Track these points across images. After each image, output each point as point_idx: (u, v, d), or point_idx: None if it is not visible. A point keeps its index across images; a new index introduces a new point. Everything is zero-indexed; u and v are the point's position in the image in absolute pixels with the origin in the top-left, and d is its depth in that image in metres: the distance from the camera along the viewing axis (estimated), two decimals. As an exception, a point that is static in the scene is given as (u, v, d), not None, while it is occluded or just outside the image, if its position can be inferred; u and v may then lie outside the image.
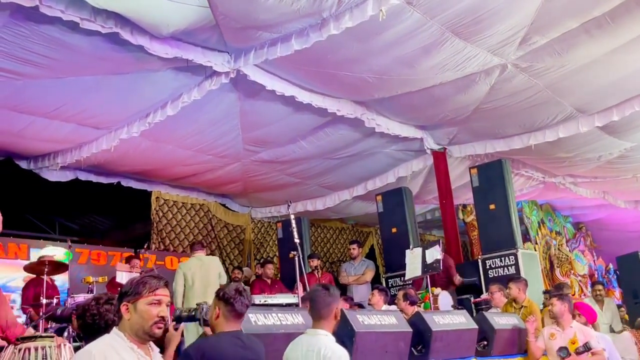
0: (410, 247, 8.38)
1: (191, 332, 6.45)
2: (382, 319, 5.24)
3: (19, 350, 4.31)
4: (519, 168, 11.18)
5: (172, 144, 9.17)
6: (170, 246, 11.47)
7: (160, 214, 11.42)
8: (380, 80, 7.50)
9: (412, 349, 5.45)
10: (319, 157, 10.16)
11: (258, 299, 6.77)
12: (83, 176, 9.90)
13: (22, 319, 7.65)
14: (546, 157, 10.55)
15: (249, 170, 10.57)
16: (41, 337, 4.42)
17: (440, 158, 10.21)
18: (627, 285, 11.74)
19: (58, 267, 7.58)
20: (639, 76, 7.80)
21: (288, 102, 7.95)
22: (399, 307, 7.01)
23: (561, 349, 5.99)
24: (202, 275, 7.78)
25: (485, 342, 6.25)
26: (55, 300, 6.93)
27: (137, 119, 8.11)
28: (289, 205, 7.40)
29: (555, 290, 8.12)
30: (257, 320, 4.45)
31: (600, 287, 9.45)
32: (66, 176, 9.68)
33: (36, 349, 4.33)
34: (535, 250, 13.03)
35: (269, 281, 9.40)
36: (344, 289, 9.55)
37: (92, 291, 7.29)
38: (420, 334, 5.54)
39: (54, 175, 9.48)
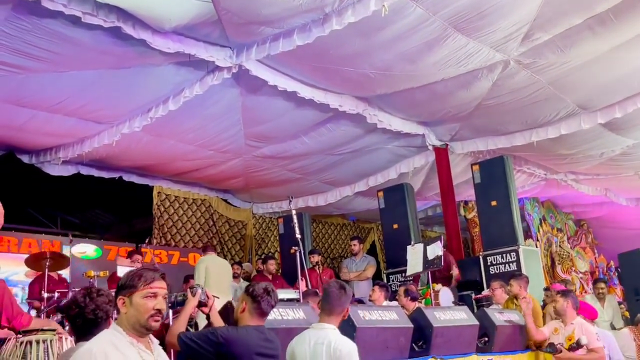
0: (412, 243, 8.38)
1: (202, 316, 6.50)
2: (383, 314, 5.25)
3: (21, 343, 4.31)
4: (521, 165, 11.18)
5: (174, 138, 9.16)
6: (171, 241, 11.48)
7: (162, 209, 11.42)
8: (383, 75, 7.49)
9: (413, 344, 5.46)
10: (321, 152, 10.15)
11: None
12: (85, 171, 9.90)
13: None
14: (548, 153, 10.55)
15: (250, 165, 10.57)
16: (42, 330, 4.41)
17: (442, 154, 10.20)
18: (629, 283, 11.72)
19: (59, 261, 7.59)
20: (641, 73, 7.80)
21: (290, 97, 7.94)
22: (400, 303, 7.01)
23: (549, 344, 6.04)
24: (217, 272, 8.10)
25: (486, 338, 6.25)
26: (57, 294, 6.94)
27: (139, 114, 8.11)
28: (290, 201, 7.42)
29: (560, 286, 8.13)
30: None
31: (603, 284, 9.43)
32: (68, 170, 9.67)
33: (37, 342, 4.32)
34: (537, 247, 13.02)
35: (270, 277, 9.40)
36: (344, 286, 9.53)
37: (93, 285, 7.28)
38: (421, 330, 5.55)
39: (55, 169, 9.47)
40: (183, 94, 7.52)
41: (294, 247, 6.64)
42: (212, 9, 5.92)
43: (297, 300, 6.51)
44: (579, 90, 8.20)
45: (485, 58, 7.14)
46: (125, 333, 2.61)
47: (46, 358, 4.31)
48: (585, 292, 13.74)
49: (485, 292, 8.46)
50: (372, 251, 14.18)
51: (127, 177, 10.59)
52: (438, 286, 7.97)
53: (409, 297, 7.05)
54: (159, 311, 2.63)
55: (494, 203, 9.34)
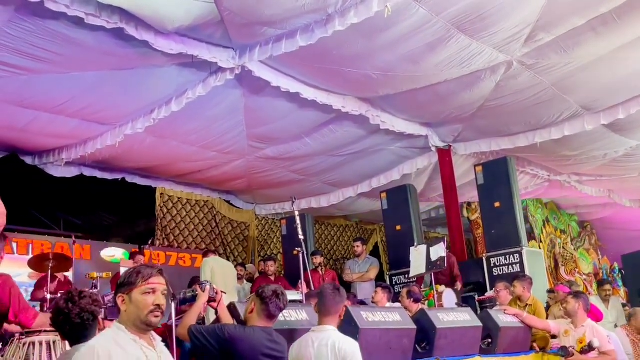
0: (415, 244, 8.37)
1: (211, 311, 6.53)
2: (386, 315, 5.23)
3: (24, 344, 4.31)
4: (524, 166, 11.15)
5: (177, 140, 9.17)
6: (174, 242, 11.49)
7: (165, 210, 11.44)
8: (385, 77, 7.49)
9: (416, 346, 5.44)
10: (324, 154, 10.15)
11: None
12: (88, 172, 9.91)
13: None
14: (551, 155, 10.52)
15: (253, 166, 10.56)
16: (46, 331, 4.41)
17: (445, 155, 10.19)
18: (633, 284, 11.72)
19: (62, 262, 7.59)
20: (645, 74, 7.78)
21: (293, 98, 7.94)
22: (403, 304, 6.98)
23: (561, 348, 5.99)
24: (222, 273, 8.30)
25: (490, 340, 6.23)
26: (59, 295, 6.92)
27: (141, 115, 8.12)
28: (293, 202, 7.39)
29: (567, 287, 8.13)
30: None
31: (608, 286, 9.39)
32: (71, 172, 9.69)
33: (40, 344, 4.33)
34: (540, 248, 12.99)
35: (272, 278, 9.39)
36: (348, 287, 9.54)
37: (95, 287, 7.29)
38: (425, 331, 5.52)
39: (58, 170, 9.48)
40: (186, 95, 7.52)
41: (296, 249, 6.63)
42: (214, 10, 5.92)
43: (300, 301, 6.50)
44: (582, 91, 8.18)
45: (489, 59, 7.13)
46: (128, 331, 2.61)
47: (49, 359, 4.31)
48: (589, 293, 13.70)
49: (490, 293, 8.44)
50: (375, 252, 14.16)
51: (130, 179, 10.60)
52: (441, 288, 7.94)
53: (412, 299, 7.02)
54: (158, 306, 2.64)
55: (497, 204, 9.32)
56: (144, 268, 2.71)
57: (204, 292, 4.05)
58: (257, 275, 10.53)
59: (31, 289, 8.27)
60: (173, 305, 4.51)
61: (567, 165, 11.35)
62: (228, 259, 11.35)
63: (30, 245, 9.76)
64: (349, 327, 4.60)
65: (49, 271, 7.21)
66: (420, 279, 8.47)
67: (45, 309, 6.87)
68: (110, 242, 11.16)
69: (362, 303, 8.19)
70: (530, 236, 13.19)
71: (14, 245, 9.45)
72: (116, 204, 11.86)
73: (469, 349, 5.91)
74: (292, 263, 9.44)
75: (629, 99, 8.41)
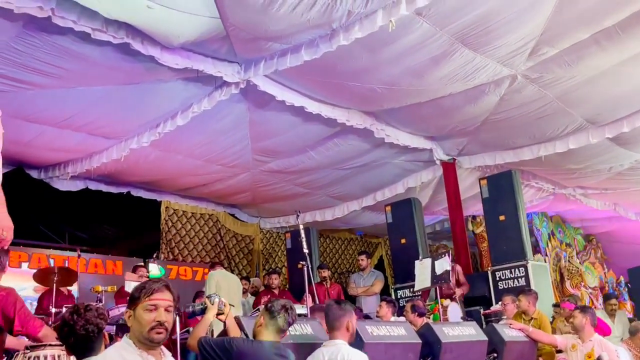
0: (420, 258, 8.34)
1: (219, 324, 6.53)
2: (391, 329, 5.21)
3: (29, 358, 4.31)
4: (529, 179, 11.13)
5: (182, 153, 9.20)
6: (179, 256, 11.48)
7: (170, 224, 11.45)
8: (390, 90, 7.51)
9: (422, 360, 5.42)
10: (328, 167, 10.16)
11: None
12: (93, 186, 9.95)
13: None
14: (556, 168, 10.51)
15: (258, 180, 10.58)
16: (51, 345, 4.40)
17: (449, 169, 10.18)
18: (639, 298, 11.64)
19: (67, 276, 7.59)
20: (649, 87, 7.78)
21: (297, 112, 7.97)
22: (408, 319, 6.95)
23: None
24: (227, 286, 8.09)
25: (495, 354, 6.19)
26: (64, 309, 6.93)
27: (147, 129, 8.16)
28: (297, 216, 7.40)
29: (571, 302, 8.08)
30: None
31: (614, 300, 9.34)
32: (76, 186, 9.73)
33: (45, 358, 4.32)
34: (545, 262, 12.91)
35: (276, 291, 9.37)
36: (352, 300, 9.51)
37: (100, 300, 7.29)
38: (430, 346, 5.50)
39: (64, 184, 9.53)
40: (191, 109, 7.56)
41: (301, 262, 6.62)
42: (220, 25, 5.96)
43: (305, 315, 6.48)
44: (586, 104, 8.18)
45: (493, 73, 7.14)
46: (135, 346, 2.61)
47: (54, 374, 4.30)
48: (595, 307, 13.61)
49: (496, 307, 8.40)
50: (379, 266, 14.14)
51: (135, 192, 10.64)
52: (446, 302, 7.91)
53: (416, 313, 6.99)
54: (160, 323, 2.61)
55: (502, 218, 9.31)
56: (150, 283, 2.71)
57: (213, 305, 4.10)
58: (262, 289, 10.52)
59: (35, 304, 8.28)
60: (177, 319, 4.53)
61: (572, 178, 11.32)
62: (233, 273, 11.32)
63: (31, 257, 9.75)
64: (354, 341, 4.58)
65: (54, 285, 7.22)
66: (425, 292, 8.44)
67: (50, 322, 6.87)
68: (115, 256, 11.17)
69: (367, 317, 8.17)
70: (536, 250, 13.13)
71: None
72: (121, 217, 11.87)
73: (474, 363, 5.89)
74: (296, 276, 9.43)
75: (634, 112, 8.39)
